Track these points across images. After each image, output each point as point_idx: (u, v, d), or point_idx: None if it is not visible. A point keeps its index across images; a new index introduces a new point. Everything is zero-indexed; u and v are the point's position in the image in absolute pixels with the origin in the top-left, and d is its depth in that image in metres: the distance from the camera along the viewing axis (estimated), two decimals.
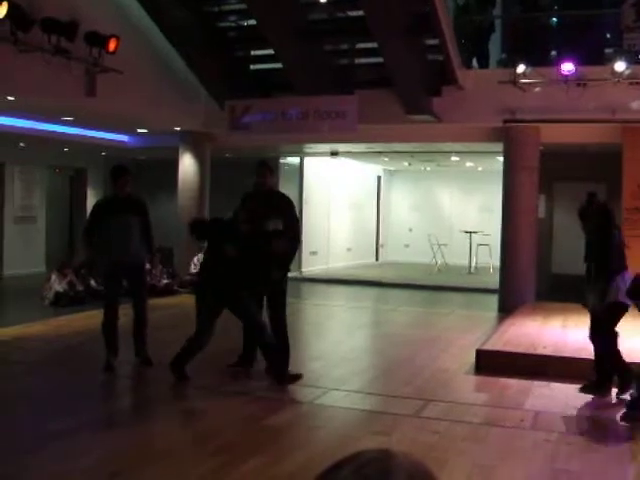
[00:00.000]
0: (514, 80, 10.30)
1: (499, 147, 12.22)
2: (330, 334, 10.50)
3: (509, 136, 11.65)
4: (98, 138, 14.72)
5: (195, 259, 13.15)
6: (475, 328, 10.07)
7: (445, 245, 18.53)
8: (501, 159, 12.30)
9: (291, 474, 4.55)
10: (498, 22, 12.42)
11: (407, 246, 20.62)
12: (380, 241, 20.98)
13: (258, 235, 6.83)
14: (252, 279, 6.83)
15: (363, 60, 12.63)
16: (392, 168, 20.87)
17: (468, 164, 18.20)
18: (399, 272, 17.60)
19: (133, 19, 11.17)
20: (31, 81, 9.08)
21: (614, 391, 6.43)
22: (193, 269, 13.00)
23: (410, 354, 8.44)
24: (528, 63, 10.20)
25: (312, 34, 11.12)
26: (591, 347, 6.54)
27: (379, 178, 20.97)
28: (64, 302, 11.29)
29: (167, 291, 12.84)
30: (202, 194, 14.07)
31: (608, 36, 11.70)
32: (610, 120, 10.61)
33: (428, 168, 19.92)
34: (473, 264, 17.79)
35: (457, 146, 14.40)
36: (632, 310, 6.32)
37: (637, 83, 10.00)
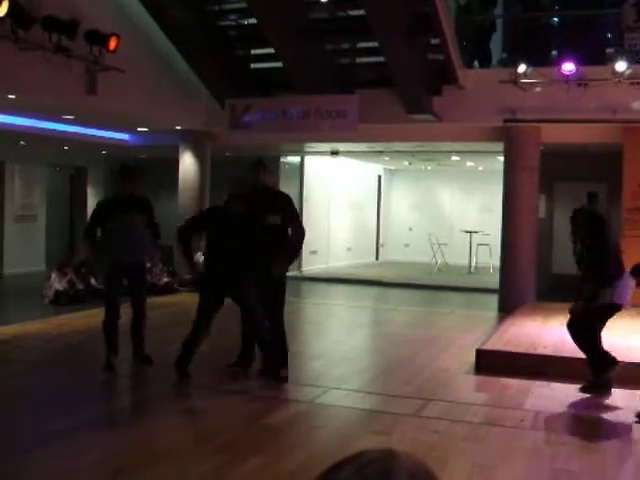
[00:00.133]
0: (515, 80, 10.29)
1: (500, 147, 12.21)
2: (330, 333, 10.50)
3: (510, 136, 11.65)
4: (98, 137, 14.71)
5: (195, 258, 13.14)
6: (475, 328, 10.07)
7: (445, 245, 18.52)
8: (502, 159, 12.30)
9: (291, 473, 4.55)
10: (499, 22, 12.41)
11: (407, 245, 20.61)
12: (380, 240, 20.98)
13: (256, 221, 6.84)
14: (252, 262, 6.78)
15: (364, 59, 12.62)
16: (392, 167, 20.87)
17: (468, 164, 18.20)
18: (399, 271, 17.60)
19: (134, 17, 11.17)
20: (32, 79, 9.08)
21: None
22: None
23: (410, 353, 8.44)
24: (529, 63, 10.19)
25: (313, 33, 11.11)
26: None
27: (379, 177, 20.97)
28: (64, 301, 11.29)
29: (167, 289, 12.84)
30: (202, 193, 14.06)
31: (609, 36, 11.70)
32: (611, 120, 10.60)
33: (428, 168, 19.92)
34: (473, 264, 17.78)
35: (457, 146, 14.40)
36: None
37: (638, 83, 10.00)
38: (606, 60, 10.53)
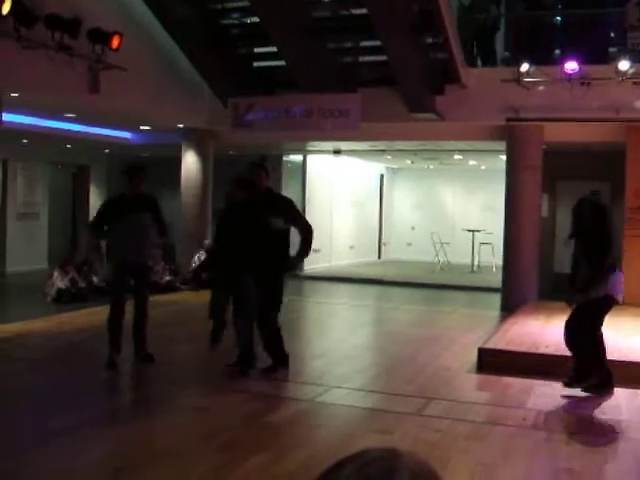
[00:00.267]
0: (518, 79, 10.28)
1: (502, 146, 12.20)
2: (332, 332, 10.49)
3: (512, 135, 11.63)
4: (101, 135, 14.71)
5: (196, 257, 13.16)
6: (477, 327, 10.06)
7: (448, 243, 18.50)
8: (504, 158, 12.28)
9: (292, 472, 4.55)
10: (502, 20, 12.39)
11: (410, 244, 20.60)
12: (383, 239, 20.98)
13: (257, 224, 6.86)
14: (252, 263, 6.79)
15: (367, 58, 12.62)
16: (395, 166, 20.85)
17: (471, 162, 18.18)
18: (401, 270, 17.59)
19: (136, 16, 11.17)
20: (34, 78, 9.09)
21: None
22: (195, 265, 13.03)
23: (412, 352, 8.44)
24: (532, 62, 10.18)
25: (316, 32, 11.11)
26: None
27: (382, 176, 20.96)
28: (66, 299, 11.30)
29: (169, 288, 12.83)
30: (205, 191, 14.07)
31: (612, 35, 11.68)
32: (614, 119, 10.59)
33: (431, 166, 19.91)
34: (476, 263, 17.77)
35: (460, 144, 14.38)
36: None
37: None
38: (609, 59, 10.52)
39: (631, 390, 6.59)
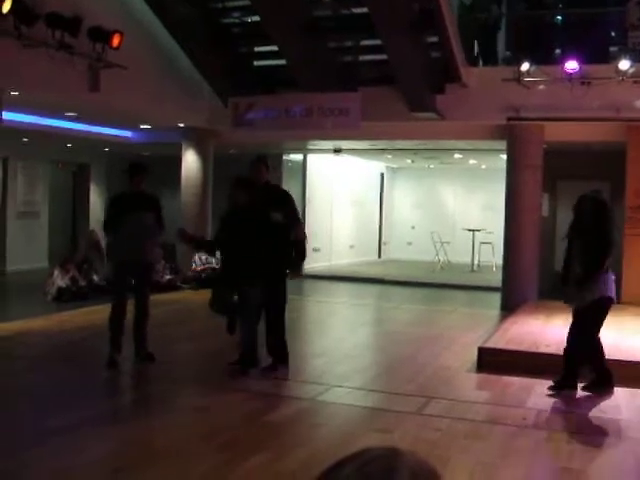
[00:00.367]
0: (518, 78, 10.28)
1: (503, 145, 12.19)
2: (333, 331, 10.50)
3: (513, 134, 11.63)
4: (101, 134, 14.71)
5: (196, 257, 13.16)
6: (477, 326, 10.06)
7: (448, 243, 18.50)
8: (505, 157, 12.28)
9: (293, 471, 4.54)
10: (503, 20, 12.39)
11: (410, 244, 20.59)
12: (383, 238, 20.97)
13: (258, 219, 6.88)
14: (255, 264, 6.81)
15: (367, 57, 12.61)
16: (395, 165, 20.84)
17: (471, 162, 18.17)
18: (402, 270, 17.59)
19: (137, 14, 11.16)
20: (35, 76, 9.08)
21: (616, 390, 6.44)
22: (195, 265, 13.05)
23: (412, 352, 8.44)
24: (532, 61, 10.18)
25: (316, 31, 11.10)
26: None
27: (382, 175, 20.94)
28: (66, 297, 11.30)
29: (170, 287, 12.84)
30: (205, 190, 14.07)
31: (613, 34, 11.68)
32: (614, 118, 10.58)
33: (431, 166, 19.89)
34: (476, 262, 17.76)
35: (460, 144, 14.37)
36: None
37: None
38: (610, 58, 10.52)
39: (631, 390, 6.59)
